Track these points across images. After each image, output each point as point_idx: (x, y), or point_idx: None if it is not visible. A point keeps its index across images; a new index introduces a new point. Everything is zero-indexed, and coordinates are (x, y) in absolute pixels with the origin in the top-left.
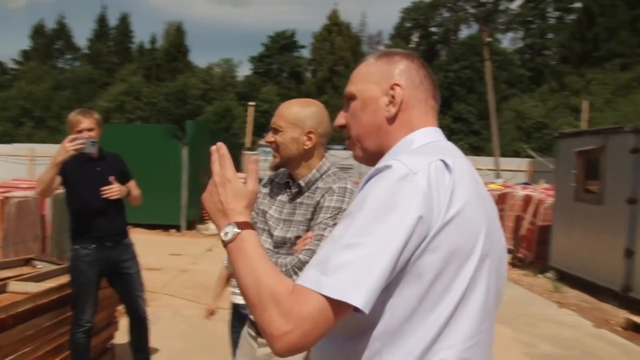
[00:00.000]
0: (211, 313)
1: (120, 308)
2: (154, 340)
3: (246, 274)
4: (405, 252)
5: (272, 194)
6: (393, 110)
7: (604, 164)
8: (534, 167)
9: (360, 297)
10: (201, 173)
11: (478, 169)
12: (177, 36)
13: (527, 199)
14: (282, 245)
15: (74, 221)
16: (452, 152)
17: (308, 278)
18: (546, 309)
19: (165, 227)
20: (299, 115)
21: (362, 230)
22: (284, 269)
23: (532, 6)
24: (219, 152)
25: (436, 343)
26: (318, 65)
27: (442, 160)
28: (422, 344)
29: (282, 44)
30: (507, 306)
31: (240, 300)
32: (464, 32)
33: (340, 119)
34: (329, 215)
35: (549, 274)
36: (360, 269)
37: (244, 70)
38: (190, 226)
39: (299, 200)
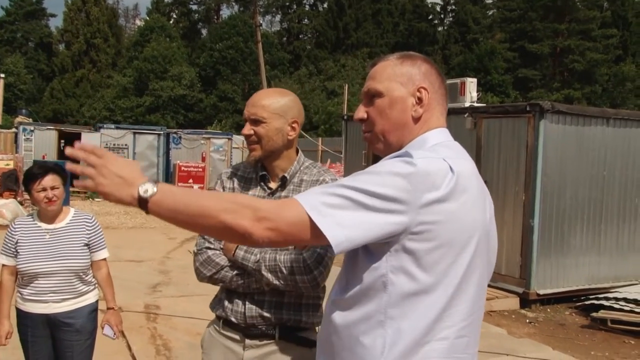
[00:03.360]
0: (9, 334)
1: None
2: None
3: (197, 198)
4: (385, 220)
5: (242, 189)
6: (420, 110)
7: None
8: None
9: (336, 237)
10: None
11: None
12: None
13: None
14: None
15: None
16: (458, 152)
17: (301, 196)
18: None
19: None
20: (281, 104)
21: (360, 186)
22: (283, 268)
23: None
24: (85, 149)
25: (438, 322)
26: (73, 36)
27: (445, 161)
28: (425, 321)
29: (27, 10)
30: None
31: (38, 308)
32: (226, 12)
33: (362, 112)
34: None
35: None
36: (346, 216)
37: None
38: None
39: (282, 193)
